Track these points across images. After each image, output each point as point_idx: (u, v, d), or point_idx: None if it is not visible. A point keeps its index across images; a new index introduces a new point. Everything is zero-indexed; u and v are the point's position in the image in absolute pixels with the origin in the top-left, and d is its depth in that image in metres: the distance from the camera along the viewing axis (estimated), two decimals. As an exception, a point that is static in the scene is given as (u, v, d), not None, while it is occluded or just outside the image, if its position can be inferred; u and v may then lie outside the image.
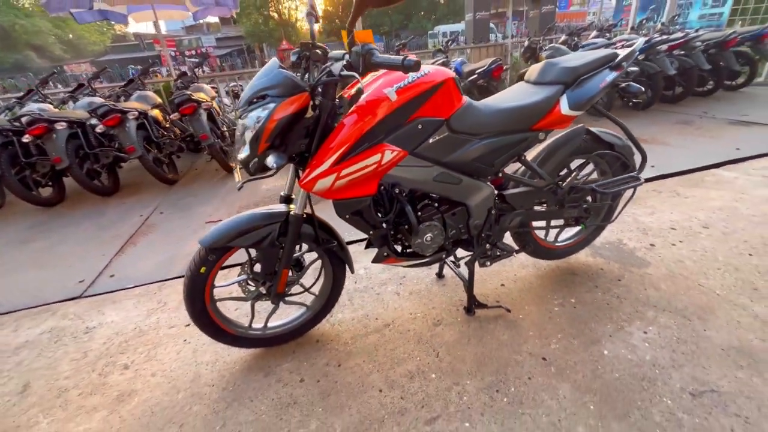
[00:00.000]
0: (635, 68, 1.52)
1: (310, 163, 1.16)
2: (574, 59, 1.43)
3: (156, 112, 4.23)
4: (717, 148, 3.34)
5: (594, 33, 5.60)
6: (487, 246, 1.53)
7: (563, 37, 5.46)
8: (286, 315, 1.63)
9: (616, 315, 1.55)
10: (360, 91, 1.17)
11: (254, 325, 1.52)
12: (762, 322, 1.44)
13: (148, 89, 4.89)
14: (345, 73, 1.02)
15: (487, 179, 1.45)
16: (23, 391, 1.49)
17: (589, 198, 1.67)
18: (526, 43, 5.41)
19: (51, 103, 4.26)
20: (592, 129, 1.62)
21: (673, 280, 1.72)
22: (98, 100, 4.23)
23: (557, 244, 1.84)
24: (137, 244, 2.73)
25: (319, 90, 1.14)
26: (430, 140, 1.26)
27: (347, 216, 1.28)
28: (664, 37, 4.68)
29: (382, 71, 1.25)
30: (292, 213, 1.28)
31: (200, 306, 1.33)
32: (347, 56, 1.06)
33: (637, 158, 1.65)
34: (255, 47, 33.78)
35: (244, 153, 1.13)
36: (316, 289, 1.59)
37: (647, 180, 2.84)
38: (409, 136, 1.21)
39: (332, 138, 1.14)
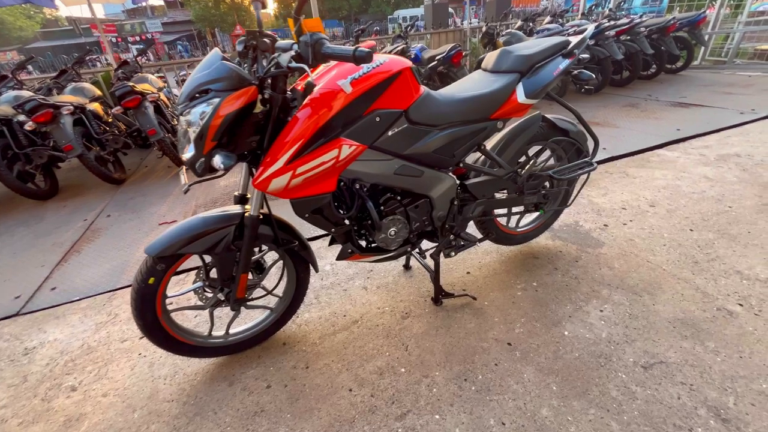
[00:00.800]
0: (586, 55, 1.56)
1: (263, 161, 1.09)
2: (529, 47, 1.44)
3: (95, 106, 3.88)
4: (660, 129, 3.56)
5: (548, 18, 5.73)
6: (451, 237, 1.53)
7: (519, 23, 5.55)
8: (250, 319, 1.56)
9: (574, 295, 1.62)
10: (312, 84, 1.10)
11: (215, 333, 1.45)
12: (702, 293, 1.55)
13: (84, 80, 4.46)
14: (293, 65, 0.96)
15: (449, 170, 1.44)
16: (-48, 427, 1.34)
17: (547, 184, 1.72)
18: (483, 29, 5.44)
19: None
20: (548, 116, 1.65)
21: (625, 258, 1.82)
22: (26, 93, 3.80)
23: (518, 230, 1.89)
24: (81, 252, 2.51)
25: (269, 82, 1.06)
26: (389, 133, 1.22)
27: (306, 215, 1.22)
28: (612, 22, 4.87)
29: (335, 62, 1.19)
30: (246, 215, 1.21)
31: (151, 319, 1.24)
32: (296, 46, 0.99)
33: (591, 143, 1.71)
34: (207, 32, 31.85)
35: (189, 153, 1.04)
36: (280, 291, 1.54)
37: (600, 162, 2.97)
38: (367, 129, 1.17)
39: (285, 134, 1.07)
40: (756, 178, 2.45)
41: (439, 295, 1.64)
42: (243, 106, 1.00)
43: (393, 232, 1.38)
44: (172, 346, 1.34)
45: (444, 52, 4.29)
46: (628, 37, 4.92)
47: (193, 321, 1.70)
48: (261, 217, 1.25)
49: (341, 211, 1.32)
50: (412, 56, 4.53)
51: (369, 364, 1.40)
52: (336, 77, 1.09)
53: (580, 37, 1.47)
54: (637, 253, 1.85)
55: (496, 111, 1.39)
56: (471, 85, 1.44)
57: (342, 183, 1.27)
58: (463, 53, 4.36)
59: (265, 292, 1.48)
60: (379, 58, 1.17)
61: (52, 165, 3.66)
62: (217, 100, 0.98)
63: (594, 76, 1.51)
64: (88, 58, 5.00)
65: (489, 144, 1.56)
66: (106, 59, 6.73)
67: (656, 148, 3.15)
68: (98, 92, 4.15)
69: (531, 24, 5.52)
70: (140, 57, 4.82)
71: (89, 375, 1.50)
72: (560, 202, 1.85)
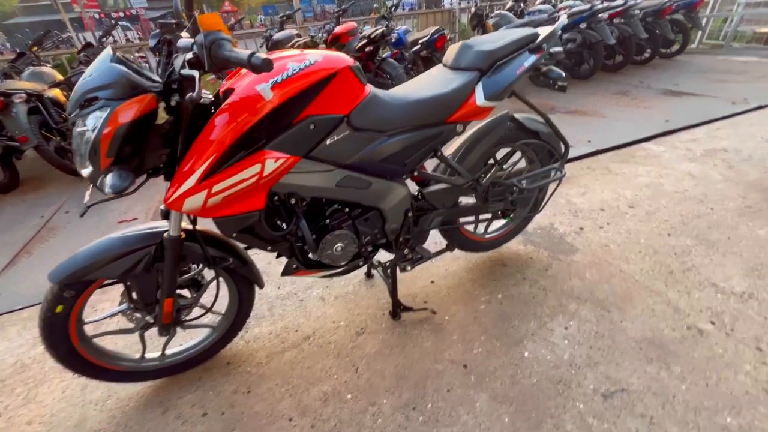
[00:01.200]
0: (559, 48, 1.40)
1: (173, 179, 0.96)
2: (491, 41, 1.28)
3: (56, 92, 3.64)
4: (649, 120, 3.42)
5: (540, -1, 5.47)
6: (406, 251, 1.42)
7: (509, 3, 5.29)
8: (191, 337, 1.45)
9: (540, 310, 1.52)
10: (230, 91, 0.96)
11: (148, 356, 1.34)
12: (674, 309, 1.46)
13: (46, 64, 4.20)
14: (185, 72, 0.81)
15: (402, 179, 1.31)
16: None
17: (515, 189, 1.59)
18: (473, 10, 5.18)
19: None
20: (517, 116, 1.51)
21: (598, 267, 1.72)
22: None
23: (487, 236, 1.78)
24: (33, 253, 2.37)
25: (175, 88, 0.91)
26: (328, 141, 1.08)
27: (234, 235, 1.09)
28: (606, 4, 4.64)
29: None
30: (166, 235, 1.08)
31: (66, 348, 1.13)
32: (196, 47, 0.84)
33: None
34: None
35: (87, 169, 0.90)
36: (222, 307, 1.42)
37: (583, 157, 2.85)
38: (300, 138, 1.03)
39: (197, 148, 0.93)
40: (741, 177, 2.34)
41: (398, 309, 1.53)
42: (139, 117, 0.85)
43: (339, 248, 1.26)
44: (99, 374, 1.23)
45: (427, 36, 4.07)
46: (622, 20, 4.70)
47: (122, 342, 1.58)
48: (183, 236, 1.12)
49: (280, 226, 1.19)
50: (395, 39, 4.30)
51: (315, 388, 1.30)
52: (255, 81, 0.94)
53: (549, 29, 1.32)
54: (611, 261, 1.75)
55: (452, 114, 1.25)
56: (427, 83, 1.30)
57: (276, 198, 1.14)
58: (448, 37, 4.14)
59: (204, 311, 1.36)
60: (312, 55, 1.02)
61: (11, 156, 3.46)
62: (106, 110, 0.83)
63: (564, 75, 1.37)
64: (52, 39, 4.70)
65: (450, 149, 1.43)
66: (84, 38, 6.33)
67: (643, 141, 3.02)
68: (59, 77, 3.90)
69: (522, 4, 5.26)
70: (105, 38, 4.53)
71: (17, 398, 1.39)
72: (530, 208, 1.73)
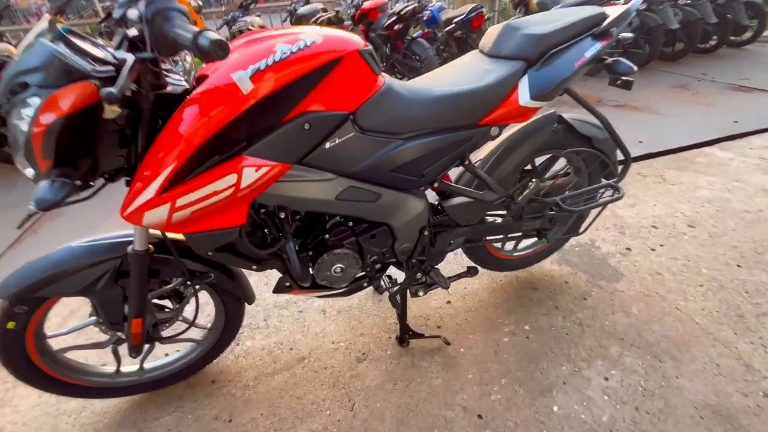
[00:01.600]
0: (628, 34, 1.11)
1: (130, 187, 0.78)
2: (544, 22, 1.01)
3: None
4: (713, 119, 2.98)
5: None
6: (419, 275, 1.20)
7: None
8: (176, 349, 1.32)
9: (574, 351, 1.28)
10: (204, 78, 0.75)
11: (125, 370, 1.21)
12: (745, 366, 1.19)
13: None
14: (120, 54, 0.61)
15: (420, 191, 1.08)
16: None
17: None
18: (516, -15, 4.70)
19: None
20: (566, 116, 1.24)
21: (648, 301, 1.45)
22: None
23: (516, 254, 1.53)
24: (38, 233, 2.32)
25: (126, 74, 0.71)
26: (328, 145, 0.87)
27: (209, 253, 0.91)
28: (672, -18, 4.08)
29: (246, 37, 0.82)
30: (130, 249, 0.91)
31: (25, 366, 1.00)
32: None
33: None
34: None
35: (29, 170, 0.73)
36: (208, 318, 1.27)
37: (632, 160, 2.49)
38: (291, 141, 0.82)
39: (157, 150, 0.74)
40: (831, 197, 1.96)
41: (406, 334, 1.33)
42: (79, 110, 0.67)
43: (339, 270, 1.06)
44: (67, 390, 1.11)
45: (463, 15, 3.70)
46: (688, 2, 4.13)
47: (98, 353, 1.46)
48: (152, 248, 0.94)
49: (269, 242, 1.00)
50: (427, 17, 3.95)
51: (303, 425, 1.14)
52: (232, 66, 0.73)
53: (621, 8, 1.03)
54: (664, 294, 1.47)
55: (488, 115, 1.00)
56: (458, 73, 1.05)
57: (263, 210, 0.94)
58: (486, 17, 3.76)
59: (187, 325, 1.21)
60: (312, 34, 0.80)
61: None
62: (36, 100, 0.65)
63: (634, 68, 1.07)
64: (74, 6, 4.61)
65: (479, 154, 1.18)
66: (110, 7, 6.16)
67: (705, 145, 2.62)
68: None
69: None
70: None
71: (-6, 399, 1.31)
72: (569, 228, 1.46)
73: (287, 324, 1.49)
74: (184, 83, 0.82)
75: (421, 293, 1.23)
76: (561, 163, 1.39)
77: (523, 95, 0.97)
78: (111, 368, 1.20)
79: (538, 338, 1.34)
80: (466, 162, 1.07)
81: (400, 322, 1.31)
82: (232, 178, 0.77)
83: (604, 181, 1.26)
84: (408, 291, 1.25)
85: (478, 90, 0.96)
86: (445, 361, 1.29)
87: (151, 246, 0.93)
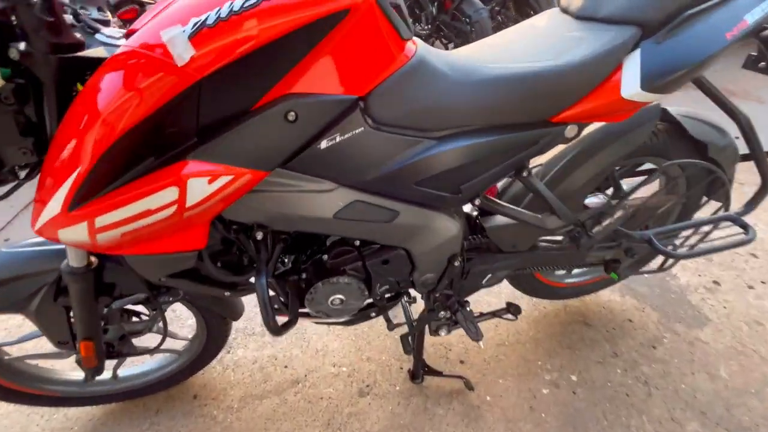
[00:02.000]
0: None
1: (36, 193, 0.55)
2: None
3: None
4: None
5: None
6: (442, 313, 0.93)
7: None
8: (154, 358, 1.16)
9: (636, 421, 0.99)
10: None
11: (98, 377, 1.06)
12: None
13: None
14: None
15: (452, 210, 0.79)
16: None
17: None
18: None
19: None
20: (673, 111, 0.88)
21: (742, 361, 1.11)
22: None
23: (568, 280, 1.21)
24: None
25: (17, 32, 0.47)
26: (323, 144, 0.59)
27: (161, 279, 0.68)
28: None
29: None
30: (63, 265, 0.69)
31: (-33, 377, 0.86)
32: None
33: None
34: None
35: None
36: (188, 329, 1.09)
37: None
38: (264, 139, 0.55)
39: (60, 143, 0.50)
40: None
41: (421, 369, 1.09)
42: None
43: (338, 301, 0.82)
44: (27, 400, 0.98)
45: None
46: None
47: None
48: (96, 262, 0.73)
49: (245, 264, 0.76)
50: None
51: (285, 473, 0.95)
52: (168, 17, 0.46)
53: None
54: (766, 354, 1.12)
55: (566, 108, 0.67)
56: (526, 43, 0.72)
57: (234, 227, 0.69)
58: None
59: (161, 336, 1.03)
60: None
61: None
62: None
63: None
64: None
65: (538, 158, 0.86)
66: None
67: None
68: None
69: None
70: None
71: (-26, 383, 1.22)
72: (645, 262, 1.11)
73: (284, 336, 1.29)
74: (119, 41, 0.56)
75: (443, 333, 0.97)
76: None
77: (630, 82, 0.63)
78: (80, 375, 1.05)
79: (587, 395, 1.06)
80: (524, 173, 0.76)
81: (415, 357, 1.07)
82: (170, 193, 0.52)
83: (723, 212, 0.90)
84: (428, 326, 0.99)
85: (557, 70, 0.63)
86: (465, 410, 1.04)
87: (93, 259, 0.72)
